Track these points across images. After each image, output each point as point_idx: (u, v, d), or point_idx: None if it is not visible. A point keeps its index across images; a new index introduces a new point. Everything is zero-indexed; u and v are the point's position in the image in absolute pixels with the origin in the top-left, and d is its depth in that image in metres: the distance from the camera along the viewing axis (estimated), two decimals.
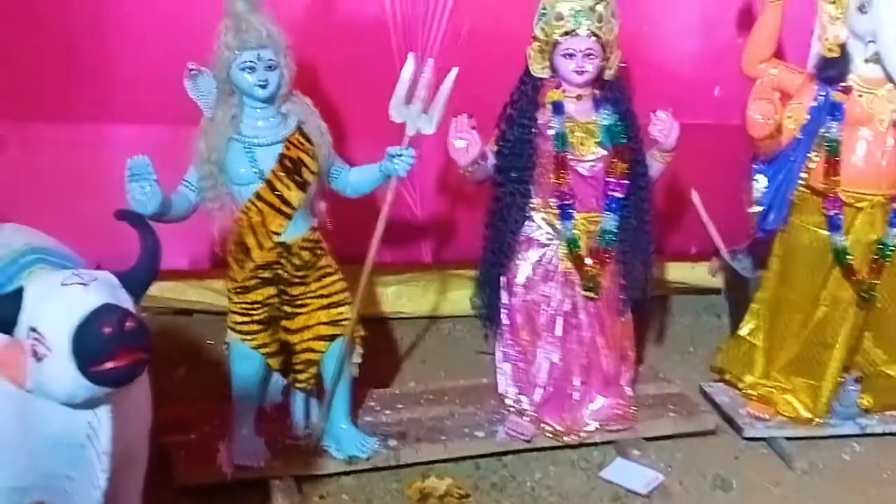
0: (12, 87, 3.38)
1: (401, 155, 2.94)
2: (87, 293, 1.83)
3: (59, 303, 1.82)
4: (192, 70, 2.85)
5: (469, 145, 3.07)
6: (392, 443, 3.28)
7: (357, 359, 3.21)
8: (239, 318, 3.06)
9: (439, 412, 3.48)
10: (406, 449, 3.26)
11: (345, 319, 3.11)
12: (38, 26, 3.35)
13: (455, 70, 2.93)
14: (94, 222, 2.85)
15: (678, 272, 4.45)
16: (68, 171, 3.48)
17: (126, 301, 1.87)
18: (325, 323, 3.10)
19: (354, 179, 3.11)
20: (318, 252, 3.07)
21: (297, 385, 3.19)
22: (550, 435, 3.37)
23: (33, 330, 1.83)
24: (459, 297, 4.10)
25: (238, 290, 3.05)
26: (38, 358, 1.83)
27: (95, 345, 1.76)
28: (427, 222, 3.84)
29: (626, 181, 3.22)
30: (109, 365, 1.77)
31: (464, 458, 3.30)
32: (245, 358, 3.10)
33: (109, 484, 2.00)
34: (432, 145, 3.26)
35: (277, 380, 3.22)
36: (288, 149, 2.93)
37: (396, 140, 2.96)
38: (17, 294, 1.88)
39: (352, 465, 3.20)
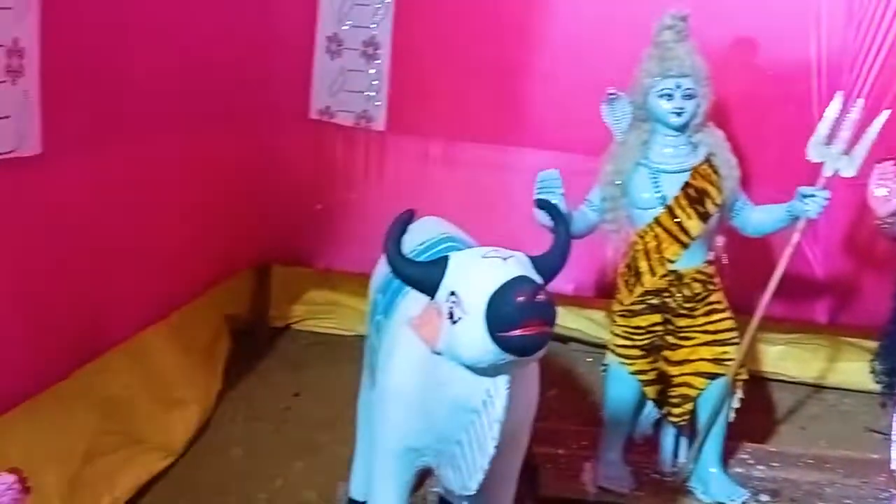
0: (446, 111, 3.77)
1: (814, 196, 2.83)
2: (505, 265, 1.97)
3: (480, 271, 1.98)
4: (610, 94, 2.98)
5: (891, 193, 2.87)
6: (763, 498, 3.12)
7: (736, 403, 3.10)
8: (621, 342, 3.10)
9: (819, 478, 3.25)
10: None
11: (729, 359, 3.02)
12: (474, 68, 3.70)
13: (886, 113, 2.78)
14: (501, 236, 3.07)
15: None
16: (484, 188, 3.76)
17: (537, 280, 1.98)
18: (707, 360, 3.04)
19: (757, 218, 3.03)
20: (710, 286, 3.03)
21: (671, 419, 3.15)
22: None
23: (453, 294, 2.00)
24: (852, 369, 3.83)
25: (624, 313, 3.09)
26: (453, 320, 1.99)
27: (508, 311, 1.87)
28: (826, 279, 3.62)
29: None
30: (517, 332, 1.87)
31: None
32: (621, 382, 3.12)
33: (495, 454, 2.09)
34: (844, 193, 3.09)
35: (650, 411, 3.20)
36: (694, 178, 2.94)
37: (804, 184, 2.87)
38: (443, 261, 2.07)
39: None
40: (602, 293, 3.75)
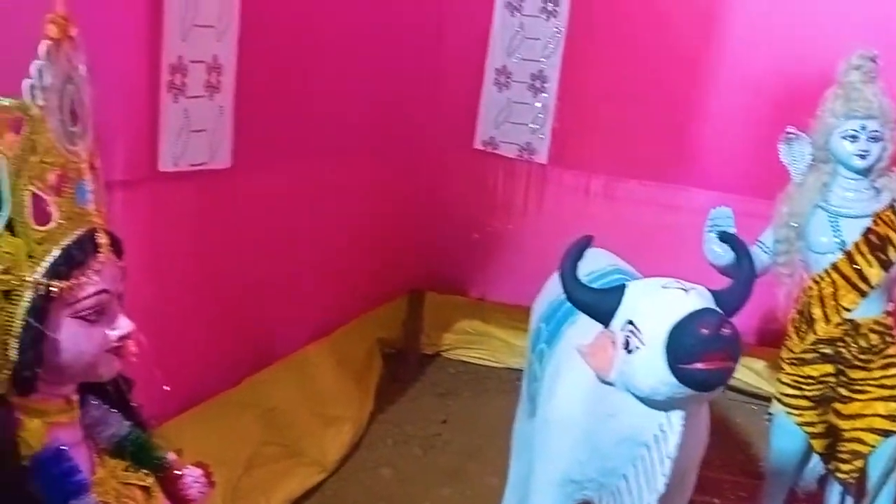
0: (610, 147, 3.76)
1: None
2: (687, 297, 1.92)
3: (660, 302, 1.94)
4: (789, 134, 2.90)
5: None
6: None
7: None
8: (789, 391, 2.98)
9: None
10: None
11: None
12: (641, 104, 3.68)
13: None
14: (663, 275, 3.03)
15: None
16: (645, 226, 3.72)
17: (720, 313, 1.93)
18: (882, 416, 2.88)
19: None
20: (888, 338, 2.88)
21: (838, 475, 2.99)
22: None
23: (630, 323, 1.97)
24: None
25: (794, 361, 2.97)
26: (628, 350, 1.96)
27: (690, 343, 1.83)
28: None
29: None
30: (699, 366, 1.82)
31: None
32: (787, 433, 2.99)
33: (664, 492, 2.04)
34: None
35: (816, 464, 3.06)
36: (877, 224, 2.81)
37: None
38: (620, 289, 2.05)
39: None
40: (764, 341, 3.63)
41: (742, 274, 2.10)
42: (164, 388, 1.43)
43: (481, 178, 4.02)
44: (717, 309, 1.93)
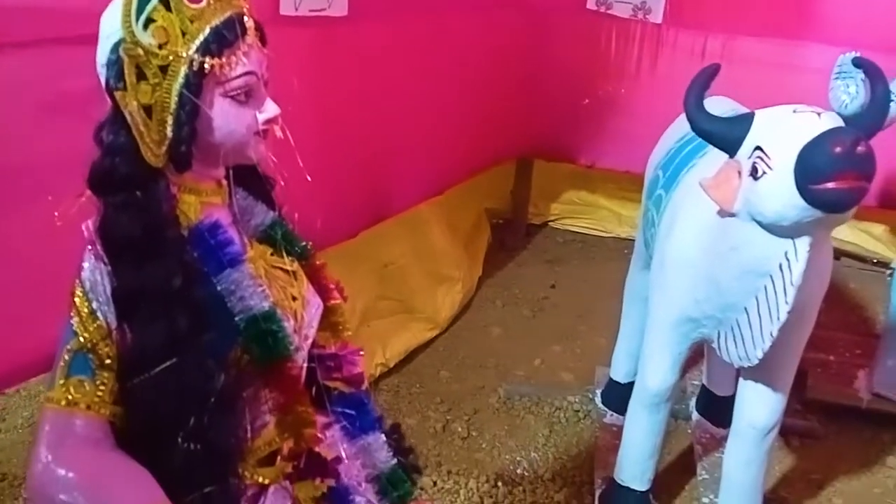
0: (728, 3, 3.63)
1: None
2: (819, 119, 1.87)
3: (791, 125, 1.88)
4: None
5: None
6: None
7: None
8: None
9: None
10: None
11: None
12: None
13: None
14: None
15: None
16: (765, 87, 3.57)
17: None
18: None
19: None
20: None
21: None
22: None
23: (758, 149, 1.92)
24: None
25: None
26: (755, 176, 1.92)
27: (821, 162, 1.77)
28: None
29: None
30: (830, 185, 1.77)
31: None
32: None
33: (785, 324, 2.02)
34: None
35: None
36: None
37: None
38: (748, 117, 2.00)
39: None
40: (885, 203, 3.51)
41: (876, 95, 2.02)
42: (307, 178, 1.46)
43: (594, 40, 3.92)
44: (850, 128, 1.87)
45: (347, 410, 1.39)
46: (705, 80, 2.09)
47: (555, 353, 3.50)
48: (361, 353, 1.45)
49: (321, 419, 1.36)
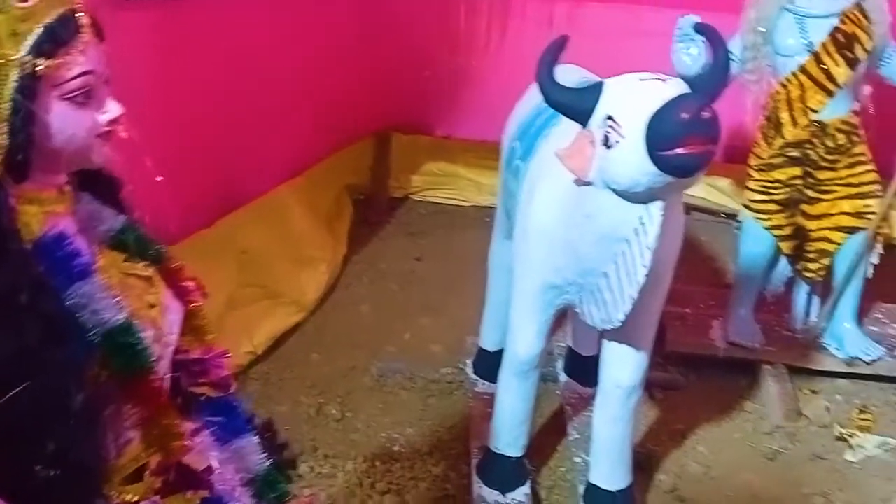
0: None
1: None
2: (666, 86, 1.92)
3: (639, 93, 1.93)
4: None
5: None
6: None
7: (875, 259, 3.03)
8: (757, 197, 3.04)
9: None
10: None
11: (871, 213, 2.95)
12: None
13: None
14: None
15: None
16: (613, 54, 3.64)
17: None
18: (848, 213, 2.97)
19: None
20: (854, 138, 2.93)
21: (806, 274, 3.10)
22: None
23: (609, 118, 1.97)
24: None
25: (761, 167, 3.02)
26: (608, 145, 1.97)
27: (670, 129, 1.82)
28: None
29: None
30: (679, 150, 1.82)
31: None
32: (756, 238, 3.08)
33: (644, 285, 2.09)
34: None
35: (784, 268, 3.16)
36: (843, 23, 2.82)
37: None
38: (598, 87, 2.03)
39: (851, 368, 3.05)
40: (729, 158, 3.67)
41: (718, 59, 2.09)
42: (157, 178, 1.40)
43: (444, 12, 3.93)
44: (695, 94, 1.93)
45: (216, 418, 1.34)
46: (554, 53, 2.11)
47: (424, 327, 3.52)
48: (228, 355, 1.41)
49: (189, 426, 1.32)
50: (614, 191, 2.01)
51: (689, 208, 4.18)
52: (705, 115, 1.84)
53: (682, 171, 1.89)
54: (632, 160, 1.91)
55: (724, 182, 4.06)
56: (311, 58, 3.37)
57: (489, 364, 2.95)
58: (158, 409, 1.22)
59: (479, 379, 3.09)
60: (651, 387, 2.96)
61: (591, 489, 2.51)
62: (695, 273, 3.68)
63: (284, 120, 3.29)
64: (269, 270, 3.45)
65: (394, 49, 3.92)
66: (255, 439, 1.40)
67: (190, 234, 2.92)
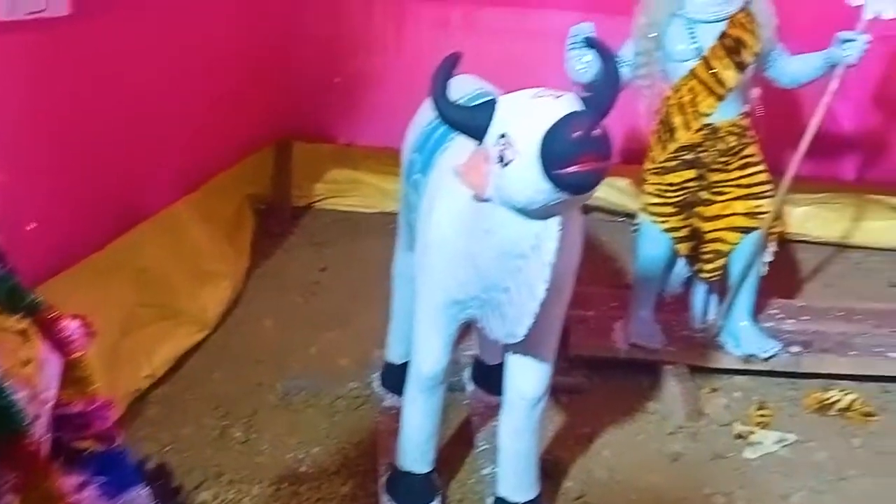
0: None
1: (853, 40, 2.78)
2: (558, 103, 1.92)
3: (532, 110, 1.93)
4: None
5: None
6: (794, 349, 3.16)
7: (769, 257, 3.11)
8: (653, 200, 3.09)
9: (849, 329, 3.30)
10: (808, 358, 3.14)
11: (763, 213, 3.02)
12: None
13: None
14: None
15: None
16: (508, 56, 3.68)
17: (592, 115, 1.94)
18: (741, 214, 3.04)
19: (793, 68, 2.99)
20: (745, 139, 3.01)
21: (703, 275, 3.17)
22: None
23: (503, 136, 1.96)
24: (877, 228, 3.87)
25: (657, 170, 3.07)
26: (503, 163, 1.96)
27: (563, 147, 1.83)
28: (855, 135, 3.59)
29: None
30: (573, 169, 1.84)
31: (870, 378, 3.10)
32: (654, 240, 3.13)
33: (545, 299, 2.10)
34: (874, 45, 2.98)
35: (682, 269, 3.22)
36: (731, 27, 2.88)
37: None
38: (491, 104, 2.03)
39: (748, 364, 3.13)
40: (626, 160, 3.72)
41: (609, 75, 2.10)
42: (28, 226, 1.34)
43: (337, 16, 3.89)
44: (587, 111, 1.94)
45: (101, 475, 1.29)
46: (447, 70, 2.09)
47: (330, 340, 3.47)
48: (111, 405, 1.35)
49: (74, 481, 1.26)
50: (512, 208, 2.02)
51: (589, 208, 4.26)
52: (596, 132, 1.85)
53: (577, 188, 1.90)
54: (527, 178, 1.91)
55: (623, 182, 4.13)
56: (204, 69, 3.28)
57: (396, 377, 2.92)
58: (36, 472, 1.16)
59: (386, 392, 3.06)
60: (556, 391, 2.98)
61: (499, 502, 2.51)
62: (596, 274, 3.73)
63: (179, 134, 3.19)
64: (169, 288, 3.35)
65: (290, 55, 3.85)
66: (145, 491, 1.35)
67: (85, 257, 2.81)
